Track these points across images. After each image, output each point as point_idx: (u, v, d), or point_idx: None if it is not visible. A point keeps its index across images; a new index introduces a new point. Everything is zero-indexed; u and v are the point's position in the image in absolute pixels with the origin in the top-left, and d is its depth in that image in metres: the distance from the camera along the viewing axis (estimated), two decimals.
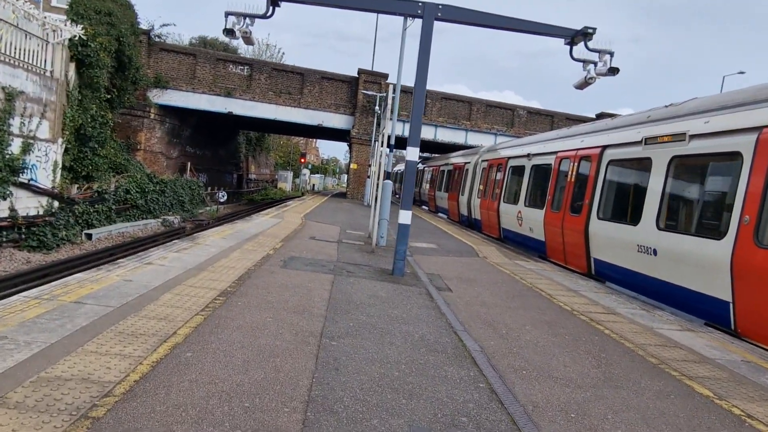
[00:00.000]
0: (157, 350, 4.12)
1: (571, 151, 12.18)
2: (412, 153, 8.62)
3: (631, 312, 7.47)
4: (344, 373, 4.15)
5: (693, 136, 7.91)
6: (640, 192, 9.19)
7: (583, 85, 9.01)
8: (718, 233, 7.19)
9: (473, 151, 24.97)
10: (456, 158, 27.26)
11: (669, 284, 8.10)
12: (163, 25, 42.14)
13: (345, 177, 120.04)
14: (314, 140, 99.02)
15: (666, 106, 9.46)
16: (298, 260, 8.89)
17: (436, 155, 39.72)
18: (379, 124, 30.78)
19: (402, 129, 33.39)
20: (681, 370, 5.09)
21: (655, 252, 8.36)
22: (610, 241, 9.84)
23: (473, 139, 35.37)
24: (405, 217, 8.67)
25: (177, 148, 31.36)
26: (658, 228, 8.37)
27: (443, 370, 4.46)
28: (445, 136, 34.82)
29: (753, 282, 6.51)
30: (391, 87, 16.60)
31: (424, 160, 40.83)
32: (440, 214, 28.38)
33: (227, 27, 8.34)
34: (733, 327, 6.89)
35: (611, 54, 8.54)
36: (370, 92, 30.19)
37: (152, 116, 28.14)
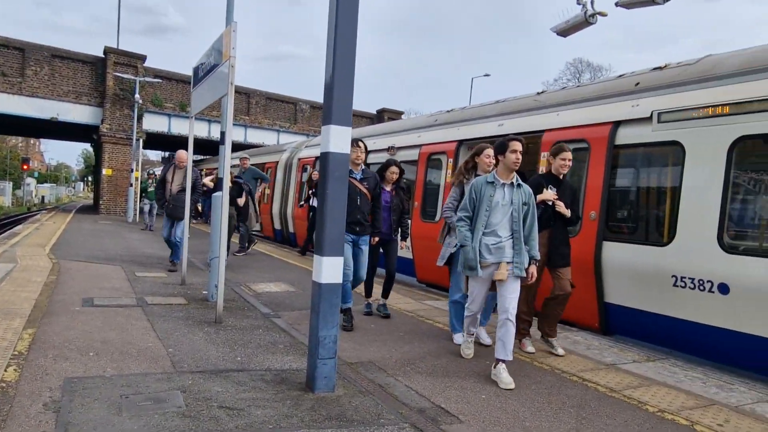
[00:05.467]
0: None
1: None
2: (340, 137, 4.20)
3: None
4: None
5: None
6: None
7: (581, 24, 5.60)
8: None
9: (275, 148, 20.59)
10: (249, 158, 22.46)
11: None
12: None
13: (80, 185, 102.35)
14: (38, 142, 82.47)
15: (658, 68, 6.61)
16: (100, 400, 3.78)
17: (209, 156, 33.91)
18: (140, 118, 24.26)
19: (168, 124, 27.23)
20: None
21: None
22: None
23: (254, 136, 30.73)
24: (331, 269, 4.20)
25: None
26: None
27: None
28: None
29: None
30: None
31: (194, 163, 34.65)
32: None
33: None
34: None
35: None
36: (126, 75, 23.41)
37: None
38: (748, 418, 4.09)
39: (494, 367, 4.70)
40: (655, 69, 6.87)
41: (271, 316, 6.71)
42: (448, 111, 10.81)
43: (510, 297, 4.65)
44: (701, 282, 5.57)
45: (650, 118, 6.24)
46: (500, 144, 4.76)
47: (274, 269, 10.70)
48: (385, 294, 7.02)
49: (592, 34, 78.47)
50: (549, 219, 5.36)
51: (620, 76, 7.40)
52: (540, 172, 5.89)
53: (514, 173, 4.74)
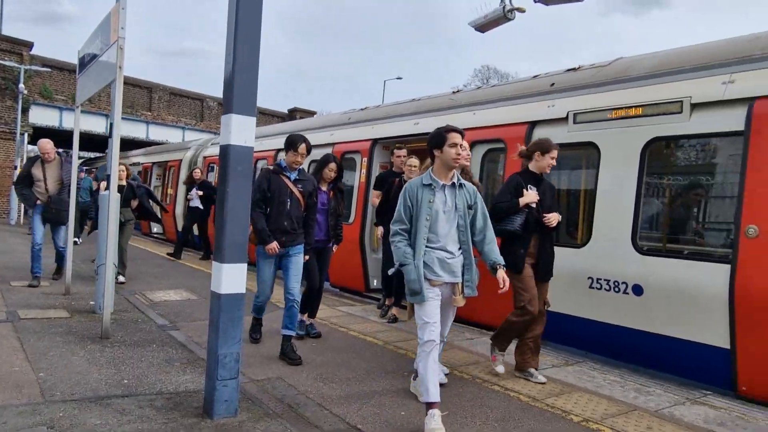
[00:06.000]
0: None
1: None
2: (243, 127, 3.71)
3: None
4: None
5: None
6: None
7: (499, 20, 5.42)
8: None
9: (178, 146, 19.46)
10: (146, 157, 21.13)
11: None
12: None
13: None
14: None
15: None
16: None
17: (102, 154, 31.64)
18: (26, 110, 22.19)
19: (60, 118, 25.11)
20: None
21: None
22: None
23: (157, 133, 29.03)
24: (233, 278, 3.71)
25: None
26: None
27: None
28: (121, 129, 27.52)
29: None
30: None
31: (85, 162, 32.29)
32: None
33: None
34: None
35: None
36: (8, 63, 21.25)
37: None
38: (669, 423, 4.02)
39: (413, 380, 4.36)
40: (569, 70, 6.87)
41: (168, 328, 6.06)
42: (362, 109, 10.48)
43: (450, 322, 4.16)
44: (616, 283, 5.55)
45: (566, 119, 6.20)
46: (436, 135, 3.88)
47: (175, 275, 9.89)
48: (313, 312, 6.06)
49: (497, 44, 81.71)
50: (534, 224, 4.69)
51: (535, 76, 7.37)
52: (518, 171, 5.05)
53: (454, 171, 3.93)
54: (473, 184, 4.77)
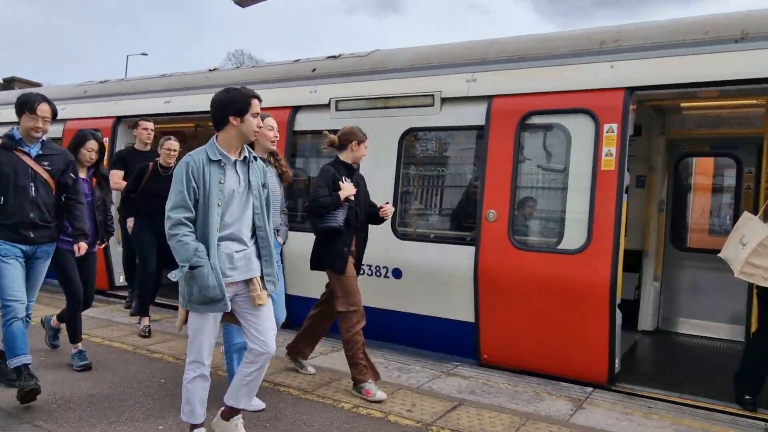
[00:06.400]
0: None
1: None
2: None
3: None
4: None
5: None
6: None
7: None
8: None
9: None
10: None
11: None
12: None
13: None
14: None
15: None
16: None
17: None
18: None
19: None
20: None
21: None
22: None
23: None
24: None
25: None
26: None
27: None
28: None
29: None
30: None
31: None
32: None
33: None
34: None
35: None
36: None
37: None
38: (429, 397, 4.27)
39: (222, 417, 3.29)
40: (329, 57, 6.89)
41: None
42: (101, 82, 9.19)
43: (271, 328, 3.20)
44: (378, 268, 5.75)
45: (329, 105, 6.19)
46: (237, 99, 3.08)
47: None
48: (77, 335, 4.65)
49: (249, 31, 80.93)
50: (356, 219, 4.29)
51: (296, 61, 7.24)
52: (331, 162, 4.46)
53: (245, 144, 3.20)
54: (286, 174, 4.37)
